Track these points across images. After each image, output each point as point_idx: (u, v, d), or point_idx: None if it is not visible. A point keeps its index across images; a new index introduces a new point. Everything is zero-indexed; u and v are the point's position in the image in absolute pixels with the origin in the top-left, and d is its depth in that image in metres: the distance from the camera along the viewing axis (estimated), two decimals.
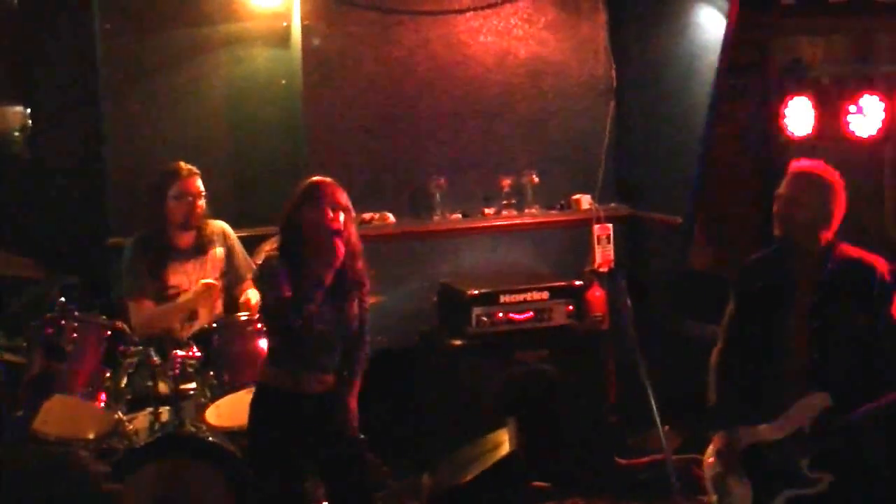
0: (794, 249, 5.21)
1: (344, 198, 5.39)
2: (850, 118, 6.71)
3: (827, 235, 5.16)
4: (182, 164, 6.70)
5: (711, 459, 5.30)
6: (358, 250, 5.46)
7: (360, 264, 5.48)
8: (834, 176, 5.20)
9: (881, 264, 5.16)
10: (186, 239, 6.71)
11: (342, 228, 5.32)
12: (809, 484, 5.02)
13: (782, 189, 5.24)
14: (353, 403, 5.54)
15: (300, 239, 5.31)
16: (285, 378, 5.37)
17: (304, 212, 5.32)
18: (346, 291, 5.41)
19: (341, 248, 5.29)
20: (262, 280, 5.49)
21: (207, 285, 6.52)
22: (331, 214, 5.29)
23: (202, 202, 6.69)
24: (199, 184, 6.68)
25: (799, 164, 5.28)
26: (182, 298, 6.57)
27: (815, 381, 5.07)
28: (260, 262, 5.54)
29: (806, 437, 5.03)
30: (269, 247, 5.57)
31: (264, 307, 5.54)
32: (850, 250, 5.21)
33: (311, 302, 5.22)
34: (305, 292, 5.22)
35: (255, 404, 5.49)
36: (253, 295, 6.62)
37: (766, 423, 5.14)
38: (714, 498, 5.27)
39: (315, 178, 5.44)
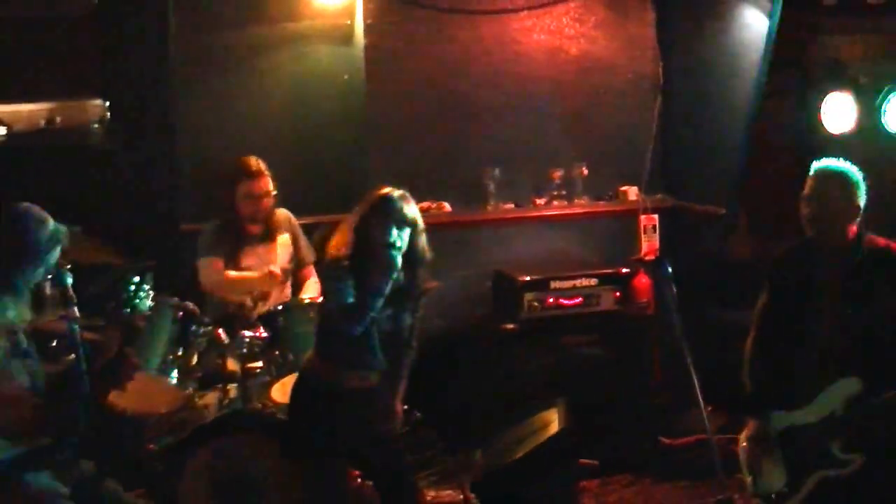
0: (825, 242, 5.21)
1: (412, 210, 5.32)
2: (885, 114, 6.68)
3: (853, 228, 5.17)
4: (252, 161, 6.77)
5: (745, 443, 5.30)
6: (423, 260, 5.40)
7: (422, 273, 5.43)
8: (855, 171, 5.21)
9: None
10: (257, 227, 6.79)
11: (402, 245, 5.26)
12: (841, 465, 5.02)
13: (808, 191, 5.23)
14: (398, 405, 5.55)
15: (365, 248, 5.27)
16: (330, 371, 5.35)
17: (371, 224, 5.27)
18: (404, 298, 5.37)
19: (398, 263, 5.23)
20: (328, 282, 5.48)
21: (271, 272, 6.59)
22: (394, 232, 5.23)
23: (269, 199, 6.75)
24: (268, 182, 6.75)
25: (821, 165, 5.28)
26: (250, 275, 6.65)
27: (847, 367, 5.06)
28: (328, 260, 5.46)
29: (838, 420, 5.02)
30: (333, 242, 5.53)
31: (327, 309, 5.48)
32: (877, 240, 5.22)
33: (371, 312, 5.20)
34: (365, 300, 5.20)
35: (296, 392, 5.49)
36: (311, 286, 6.73)
37: (798, 408, 5.14)
38: (749, 479, 5.27)
39: (384, 191, 5.35)
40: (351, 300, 5.20)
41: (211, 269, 6.67)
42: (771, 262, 5.50)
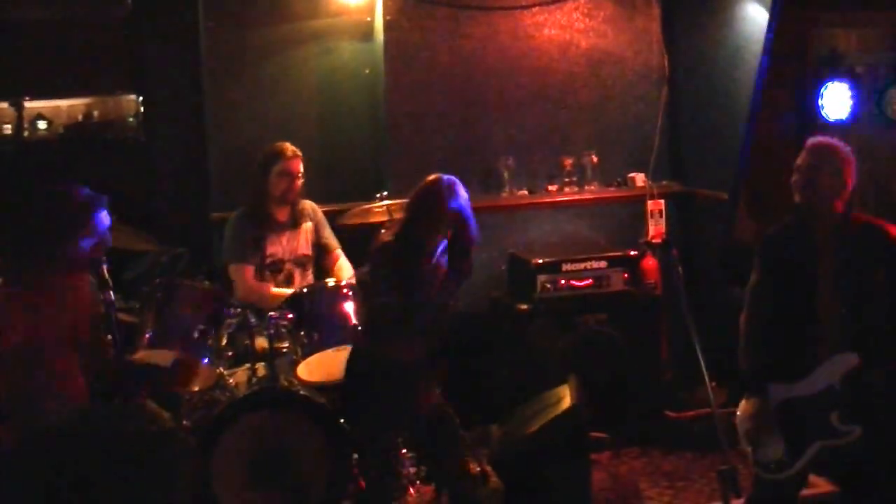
0: (815, 216, 5.19)
1: (458, 203, 5.21)
2: (882, 103, 6.66)
3: (841, 203, 5.16)
4: (288, 145, 6.83)
5: (745, 418, 5.26)
6: (469, 247, 5.31)
7: (467, 261, 5.35)
8: (846, 150, 5.21)
9: (893, 228, 5.16)
10: (283, 213, 6.83)
11: (441, 265, 5.22)
12: (840, 436, 5.00)
13: (802, 161, 5.22)
14: (439, 373, 5.53)
15: (412, 246, 5.18)
16: (377, 343, 5.35)
17: (418, 222, 5.20)
18: (452, 283, 5.33)
19: (438, 279, 5.21)
20: (376, 274, 5.36)
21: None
22: (438, 237, 5.17)
23: (300, 181, 6.80)
24: (300, 165, 6.80)
25: (815, 140, 5.28)
26: (275, 292, 6.64)
27: (846, 340, 5.04)
28: (378, 245, 5.41)
29: (837, 393, 5.00)
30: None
31: (371, 306, 5.39)
32: (862, 217, 5.24)
33: (420, 317, 5.20)
34: (411, 312, 5.17)
35: (350, 367, 5.51)
36: (344, 267, 6.75)
37: (797, 381, 5.11)
38: (749, 449, 5.25)
39: (433, 186, 5.23)
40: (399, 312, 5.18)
41: (244, 279, 6.69)
42: (763, 243, 5.47)
